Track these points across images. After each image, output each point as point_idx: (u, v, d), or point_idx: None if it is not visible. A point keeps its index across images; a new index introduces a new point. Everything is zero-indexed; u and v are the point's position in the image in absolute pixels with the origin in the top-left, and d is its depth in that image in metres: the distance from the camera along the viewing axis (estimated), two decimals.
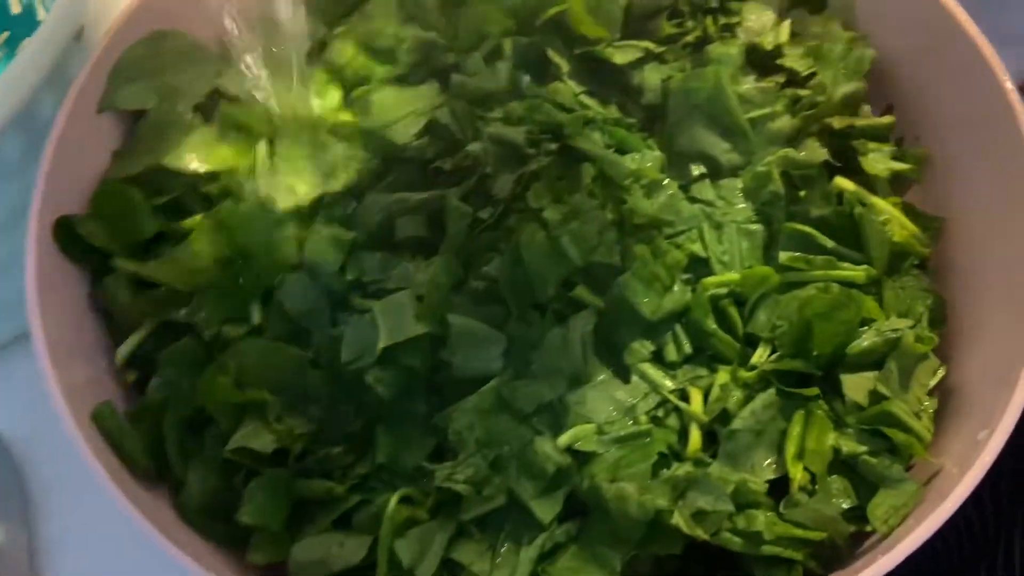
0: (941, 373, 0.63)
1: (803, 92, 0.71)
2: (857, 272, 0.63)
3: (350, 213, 0.66)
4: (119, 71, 0.67)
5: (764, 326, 0.62)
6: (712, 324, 0.62)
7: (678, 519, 0.54)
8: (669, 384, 0.60)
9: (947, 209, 0.69)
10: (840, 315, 0.60)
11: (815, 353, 0.60)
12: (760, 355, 0.61)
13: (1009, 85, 0.63)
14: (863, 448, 0.59)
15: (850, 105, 0.71)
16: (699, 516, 0.55)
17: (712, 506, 0.55)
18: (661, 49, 0.72)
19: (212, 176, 0.67)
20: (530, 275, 0.61)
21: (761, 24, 0.74)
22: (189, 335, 0.64)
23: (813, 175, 0.67)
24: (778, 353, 0.61)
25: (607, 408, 0.60)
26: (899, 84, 0.73)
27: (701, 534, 0.55)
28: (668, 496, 0.55)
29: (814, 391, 0.60)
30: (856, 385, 0.60)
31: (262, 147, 0.68)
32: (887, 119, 0.72)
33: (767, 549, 0.55)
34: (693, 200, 0.67)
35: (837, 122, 0.70)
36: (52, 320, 0.60)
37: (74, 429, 0.57)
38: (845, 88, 0.71)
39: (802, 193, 0.66)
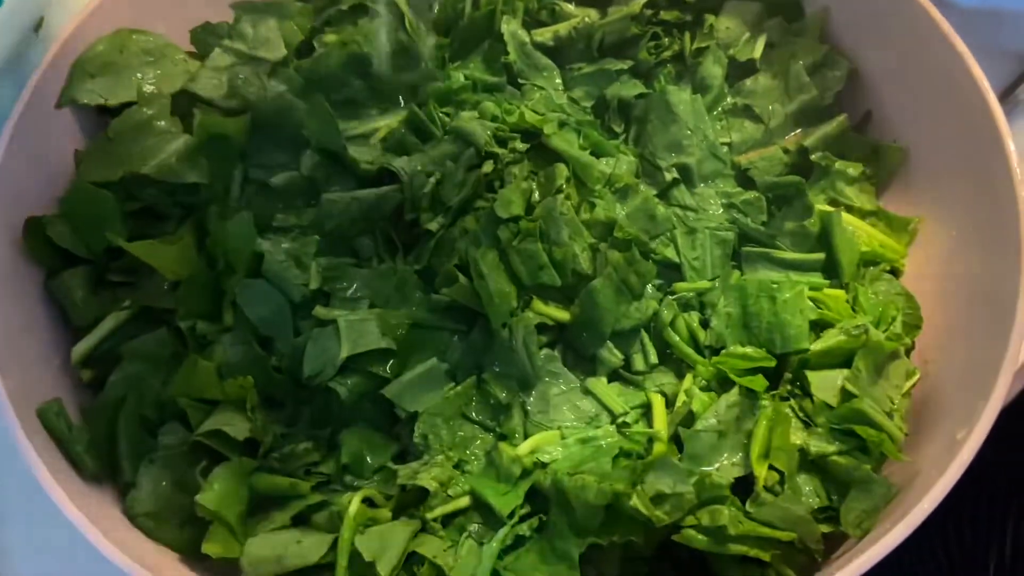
0: (916, 376, 0.62)
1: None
2: (814, 255, 0.64)
3: (310, 215, 0.65)
4: (81, 65, 0.65)
5: (720, 327, 0.62)
6: (675, 336, 0.62)
7: (636, 501, 0.52)
8: (619, 408, 0.60)
9: (925, 214, 0.68)
10: (781, 295, 0.60)
11: (766, 337, 0.60)
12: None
13: (987, 85, 0.62)
14: (832, 448, 0.57)
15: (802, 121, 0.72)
16: (658, 499, 0.54)
17: (671, 488, 0.54)
18: (628, 65, 0.72)
19: (191, 187, 0.65)
20: (490, 293, 0.60)
21: (731, 37, 0.73)
22: (165, 328, 0.63)
23: (792, 193, 0.67)
24: (728, 345, 0.61)
25: (570, 416, 0.60)
26: (878, 91, 0.72)
27: (661, 516, 0.53)
28: (626, 481, 0.53)
29: (762, 383, 0.59)
30: (824, 383, 0.59)
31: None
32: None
33: (733, 548, 0.53)
34: (668, 204, 0.66)
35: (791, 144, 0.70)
36: (0, 317, 0.59)
37: (17, 428, 0.55)
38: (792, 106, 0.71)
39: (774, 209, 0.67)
